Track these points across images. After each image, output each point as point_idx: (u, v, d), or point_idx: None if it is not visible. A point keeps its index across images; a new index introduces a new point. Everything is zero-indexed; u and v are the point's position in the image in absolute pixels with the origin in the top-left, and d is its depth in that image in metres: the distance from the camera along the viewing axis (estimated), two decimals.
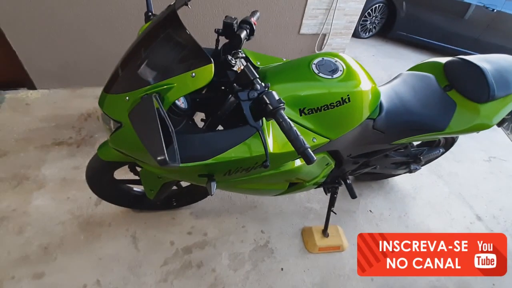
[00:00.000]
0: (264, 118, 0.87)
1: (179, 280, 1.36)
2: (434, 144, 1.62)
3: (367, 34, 4.12)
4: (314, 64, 0.97)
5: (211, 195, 0.88)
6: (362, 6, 2.48)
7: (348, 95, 0.94)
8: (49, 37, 1.98)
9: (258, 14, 1.05)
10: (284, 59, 1.15)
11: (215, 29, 0.92)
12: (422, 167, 1.83)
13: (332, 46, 2.74)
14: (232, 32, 0.90)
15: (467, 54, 3.83)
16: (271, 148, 0.86)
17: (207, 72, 0.67)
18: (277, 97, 0.70)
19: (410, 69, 1.41)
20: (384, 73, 3.42)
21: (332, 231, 1.63)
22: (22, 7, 1.81)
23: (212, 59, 0.68)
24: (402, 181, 2.09)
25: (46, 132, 1.91)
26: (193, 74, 0.67)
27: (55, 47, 2.03)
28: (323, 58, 0.99)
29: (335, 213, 1.57)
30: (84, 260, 1.37)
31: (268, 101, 0.69)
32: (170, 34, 0.75)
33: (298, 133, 0.68)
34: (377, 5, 3.78)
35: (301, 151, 0.67)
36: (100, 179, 1.25)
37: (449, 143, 1.65)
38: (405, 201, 1.97)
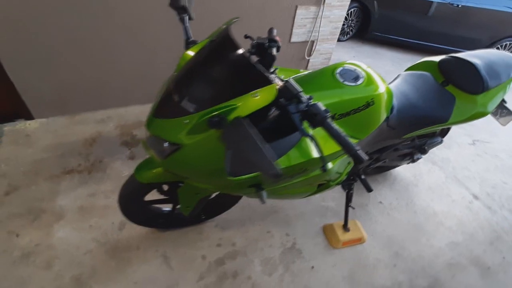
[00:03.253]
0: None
1: None
2: (435, 134, 1.78)
3: (345, 37, 4.37)
4: (337, 73, 1.06)
5: (263, 203, 0.93)
6: (345, 13, 2.66)
7: (372, 99, 1.04)
8: (47, 66, 1.95)
9: (275, 30, 1.13)
10: (301, 70, 1.24)
11: (248, 50, 0.99)
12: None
13: (320, 52, 2.89)
14: (264, 51, 0.97)
15: (440, 49, 4.19)
16: (314, 154, 0.94)
17: (270, 92, 0.72)
18: (323, 107, 0.78)
19: (407, 70, 1.56)
20: None
21: (352, 225, 1.72)
22: (20, 38, 1.78)
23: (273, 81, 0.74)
24: (402, 171, 2.24)
25: (53, 162, 1.87)
26: (256, 94, 0.73)
27: (52, 75, 2.00)
28: (343, 67, 1.09)
29: (353, 208, 1.67)
30: (120, 286, 1.36)
31: (317, 112, 0.77)
32: (227, 57, 0.81)
33: (347, 138, 0.76)
34: (352, 9, 4.03)
35: (352, 153, 0.74)
36: (134, 202, 1.26)
37: (444, 132, 1.81)
38: (409, 189, 2.12)
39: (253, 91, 0.73)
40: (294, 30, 2.54)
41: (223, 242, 1.60)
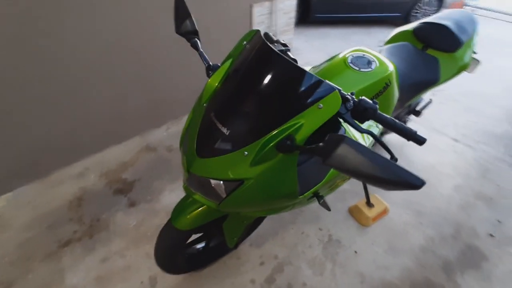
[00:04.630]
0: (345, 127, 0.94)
1: None
2: None
3: None
4: (349, 62, 1.07)
5: (330, 210, 0.91)
6: (295, 2, 2.71)
7: (388, 79, 1.07)
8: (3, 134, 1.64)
9: (270, 33, 1.10)
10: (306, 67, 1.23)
11: None
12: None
13: None
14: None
15: (375, 17, 4.53)
16: None
17: (335, 99, 0.68)
18: (370, 100, 0.77)
19: (386, 43, 1.64)
20: (322, 53, 3.79)
21: (374, 200, 1.79)
22: None
23: (335, 86, 0.70)
24: (390, 136, 2.39)
25: (42, 239, 1.59)
26: (320, 105, 0.69)
27: (8, 142, 1.69)
28: (352, 55, 1.10)
29: None
30: None
31: (367, 106, 0.75)
32: (275, 71, 0.73)
33: (401, 123, 0.76)
34: None
35: (413, 138, 0.75)
36: (174, 251, 1.13)
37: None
38: (403, 150, 2.27)
39: (316, 103, 0.68)
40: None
41: (265, 259, 1.54)
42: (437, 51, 1.48)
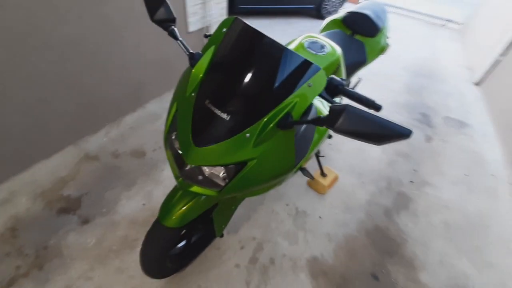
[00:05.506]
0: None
1: (268, 283, 1.44)
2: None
3: None
4: (307, 47, 1.19)
5: (313, 178, 1.02)
6: None
7: (340, 60, 1.24)
8: None
9: None
10: None
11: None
12: None
13: None
14: None
15: (291, 9, 4.90)
16: None
17: (321, 77, 0.77)
18: (339, 78, 0.91)
19: (321, 31, 1.85)
20: None
21: (326, 171, 2.03)
22: None
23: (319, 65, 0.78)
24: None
25: None
26: (310, 84, 0.76)
27: None
28: (307, 41, 1.22)
29: (323, 156, 1.97)
30: None
31: (337, 83, 0.89)
32: (269, 54, 0.77)
33: (363, 94, 0.93)
34: None
35: (371, 105, 0.92)
36: (166, 252, 1.08)
37: None
38: None
39: (306, 82, 0.76)
40: (189, 20, 2.43)
41: (244, 242, 1.60)
42: (363, 36, 1.76)
